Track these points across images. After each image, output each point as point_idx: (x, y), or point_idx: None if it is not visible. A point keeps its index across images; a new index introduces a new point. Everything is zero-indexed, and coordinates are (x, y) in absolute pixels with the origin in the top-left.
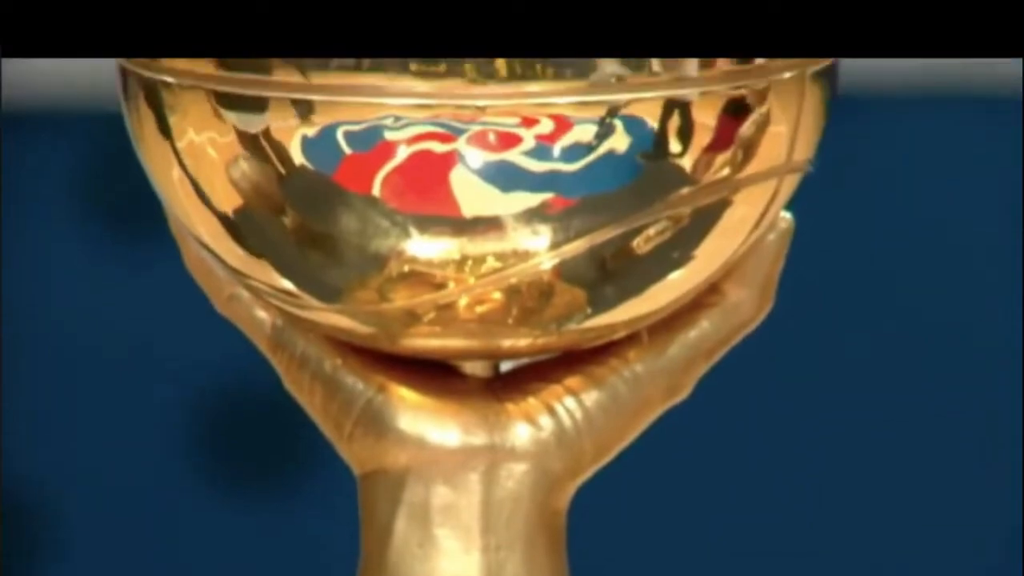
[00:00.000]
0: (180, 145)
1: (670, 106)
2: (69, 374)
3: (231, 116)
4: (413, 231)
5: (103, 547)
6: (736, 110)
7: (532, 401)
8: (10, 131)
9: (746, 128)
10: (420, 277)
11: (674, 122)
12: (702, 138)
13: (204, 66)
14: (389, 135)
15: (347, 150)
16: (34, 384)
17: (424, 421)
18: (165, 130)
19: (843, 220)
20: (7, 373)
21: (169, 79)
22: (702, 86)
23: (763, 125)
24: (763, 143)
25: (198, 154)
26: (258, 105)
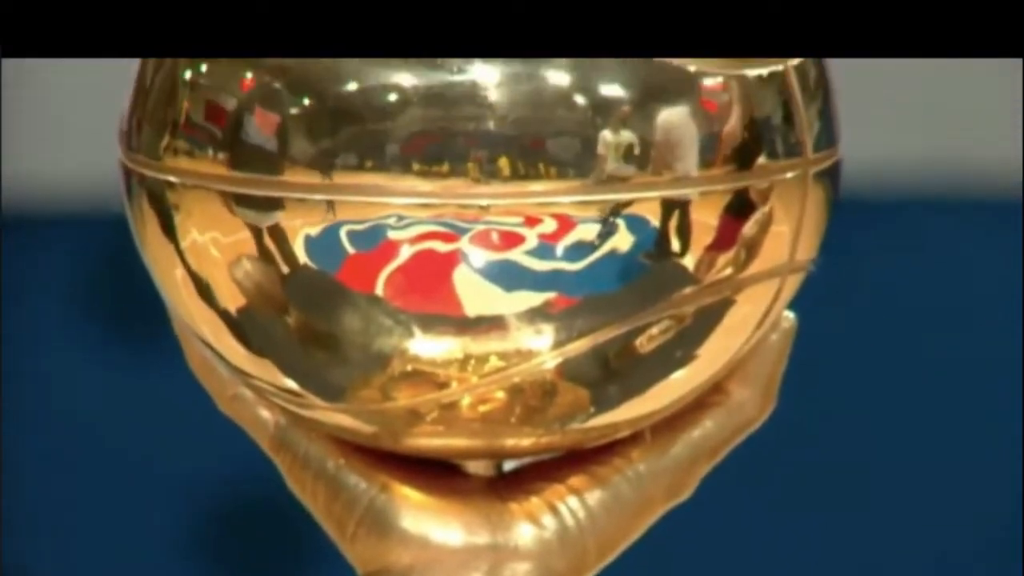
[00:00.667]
0: (184, 244)
1: (672, 206)
2: (71, 476)
3: (236, 214)
4: (416, 330)
5: None
6: (739, 210)
7: (535, 500)
8: (11, 233)
9: (749, 228)
10: (423, 376)
11: (676, 222)
12: (705, 237)
13: (209, 166)
14: (392, 234)
15: (350, 249)
16: (35, 486)
17: (427, 521)
18: (169, 229)
19: (846, 320)
20: (8, 476)
21: (173, 179)
22: (704, 185)
23: (766, 225)
24: (766, 243)
25: (201, 253)
26: (261, 204)
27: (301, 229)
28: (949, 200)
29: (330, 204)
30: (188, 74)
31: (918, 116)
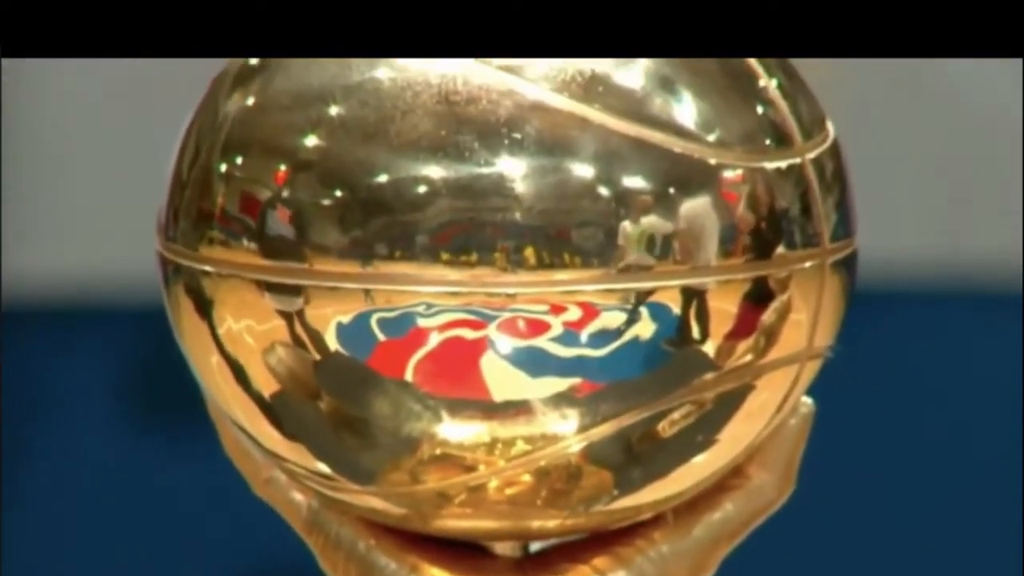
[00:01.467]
0: (219, 331)
1: (693, 294)
2: (108, 564)
3: (270, 302)
4: (444, 415)
5: None
6: (758, 298)
7: None
8: (47, 325)
9: (768, 315)
10: (451, 459)
11: (697, 309)
12: (725, 325)
13: (243, 256)
14: (421, 322)
15: (380, 336)
16: (71, 573)
17: None
18: (205, 317)
19: (861, 407)
20: (46, 564)
21: (208, 268)
22: (724, 274)
23: (784, 313)
24: (784, 330)
25: (236, 340)
26: (294, 293)
27: (333, 317)
28: (955, 292)
29: (361, 293)
30: (223, 167)
31: (923, 212)
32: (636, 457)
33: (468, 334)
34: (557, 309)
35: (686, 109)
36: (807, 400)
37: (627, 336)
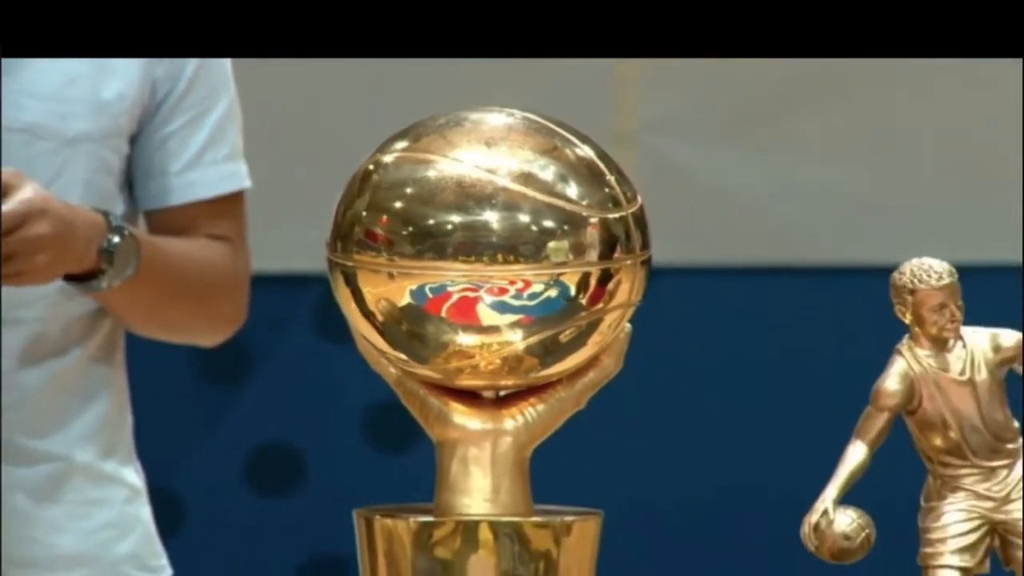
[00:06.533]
0: (358, 295)
1: (579, 275)
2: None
3: (380, 280)
4: (460, 332)
5: None
6: (605, 278)
7: (514, 408)
8: (265, 286)
9: (610, 286)
10: (463, 352)
11: (579, 283)
12: (591, 290)
13: (368, 259)
14: (449, 288)
15: (429, 296)
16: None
17: (465, 418)
18: (350, 288)
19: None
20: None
21: (350, 264)
22: (591, 267)
23: (618, 284)
24: (618, 292)
25: (364, 298)
26: (391, 276)
27: (407, 286)
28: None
29: (421, 275)
30: (360, 215)
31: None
32: (549, 352)
33: (471, 294)
34: (512, 282)
35: (572, 189)
36: (627, 325)
37: (545, 295)
